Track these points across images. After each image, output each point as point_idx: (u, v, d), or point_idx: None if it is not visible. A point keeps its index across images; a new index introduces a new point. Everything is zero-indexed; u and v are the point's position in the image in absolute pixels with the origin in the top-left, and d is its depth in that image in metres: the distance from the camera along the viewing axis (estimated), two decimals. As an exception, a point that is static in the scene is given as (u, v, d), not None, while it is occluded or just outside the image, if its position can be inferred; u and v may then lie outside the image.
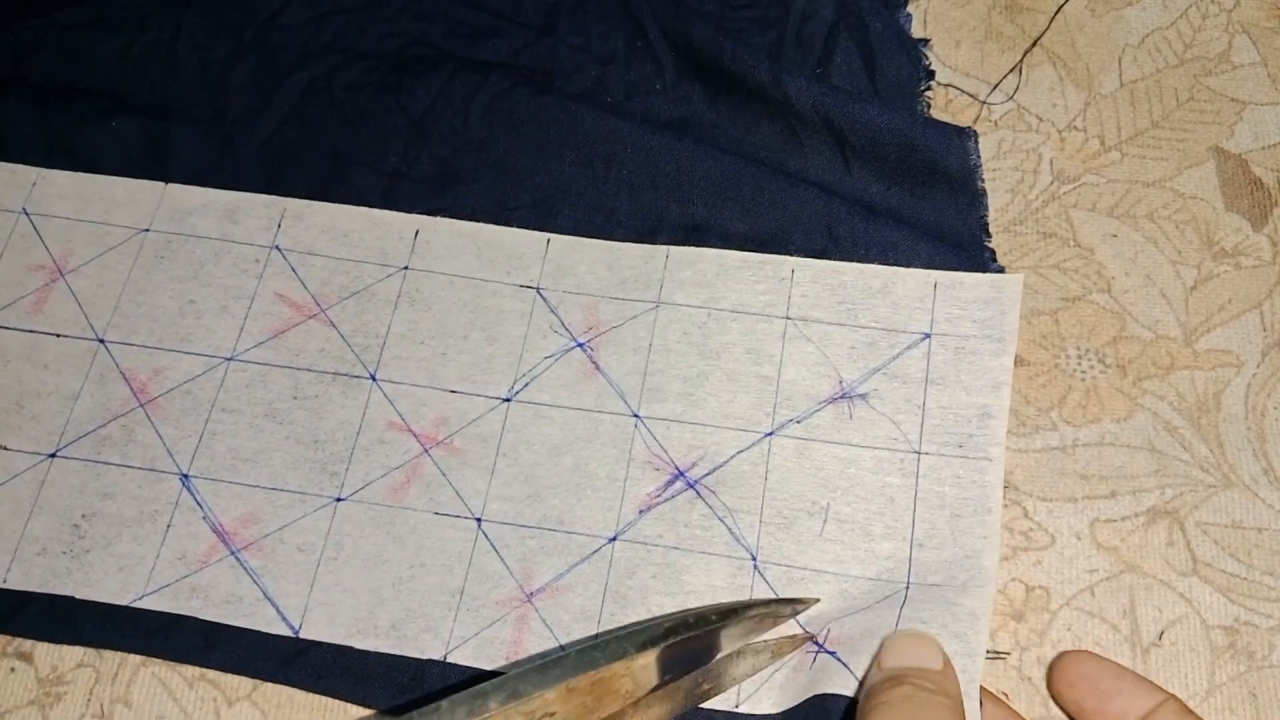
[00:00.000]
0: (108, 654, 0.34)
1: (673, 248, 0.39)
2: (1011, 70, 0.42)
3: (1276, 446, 0.35)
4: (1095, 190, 0.40)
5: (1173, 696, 0.30)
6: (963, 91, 0.41)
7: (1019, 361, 0.37)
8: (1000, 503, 0.34)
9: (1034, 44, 0.43)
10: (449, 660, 0.33)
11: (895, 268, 0.37)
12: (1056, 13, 0.43)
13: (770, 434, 0.36)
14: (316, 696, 0.33)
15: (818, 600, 0.33)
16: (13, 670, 0.34)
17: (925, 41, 0.42)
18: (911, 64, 0.41)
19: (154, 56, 0.43)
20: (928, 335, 0.36)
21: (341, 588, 0.34)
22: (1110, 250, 0.38)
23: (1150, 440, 0.35)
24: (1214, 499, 0.34)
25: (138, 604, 0.34)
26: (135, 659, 0.34)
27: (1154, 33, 0.42)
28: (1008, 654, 0.33)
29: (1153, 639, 0.33)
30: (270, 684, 0.34)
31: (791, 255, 0.38)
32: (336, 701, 0.33)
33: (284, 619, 0.34)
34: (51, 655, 0.34)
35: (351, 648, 0.33)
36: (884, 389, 0.36)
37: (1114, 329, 0.37)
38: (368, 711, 0.33)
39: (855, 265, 0.38)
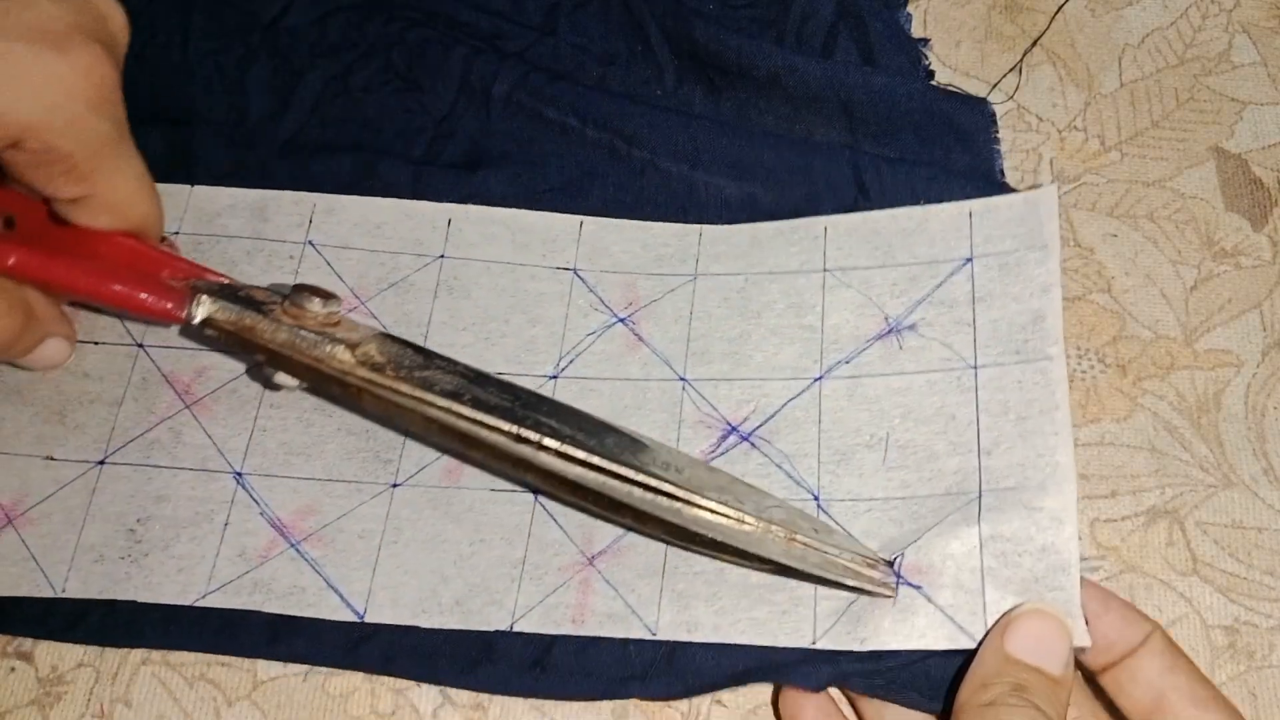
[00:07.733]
0: (108, 653, 0.34)
1: (705, 227, 0.39)
2: (1011, 70, 0.42)
3: (1276, 446, 0.35)
4: (1095, 190, 0.40)
5: (1158, 626, 0.29)
6: (963, 91, 0.41)
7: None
8: (1067, 400, 0.33)
9: (1034, 44, 0.43)
10: (515, 630, 0.33)
11: (927, 206, 0.37)
12: (1056, 13, 0.43)
13: (820, 378, 0.36)
14: (316, 696, 0.33)
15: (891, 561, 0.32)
16: (13, 670, 0.34)
17: (925, 41, 0.42)
18: (911, 64, 0.41)
19: (168, 60, 0.43)
20: (969, 259, 0.36)
21: (404, 570, 0.34)
22: (1110, 250, 0.38)
23: (1150, 440, 0.35)
24: (1214, 499, 0.34)
25: (201, 603, 0.34)
26: (135, 658, 0.34)
27: (1154, 32, 0.43)
28: (1102, 561, 0.32)
29: (1153, 639, 0.33)
30: (272, 684, 0.34)
31: (823, 215, 0.38)
32: (336, 701, 0.33)
33: (348, 605, 0.34)
34: (51, 655, 0.34)
35: (417, 628, 0.33)
36: (931, 316, 0.36)
37: (1114, 329, 0.37)
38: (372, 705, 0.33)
39: (887, 211, 0.38)
